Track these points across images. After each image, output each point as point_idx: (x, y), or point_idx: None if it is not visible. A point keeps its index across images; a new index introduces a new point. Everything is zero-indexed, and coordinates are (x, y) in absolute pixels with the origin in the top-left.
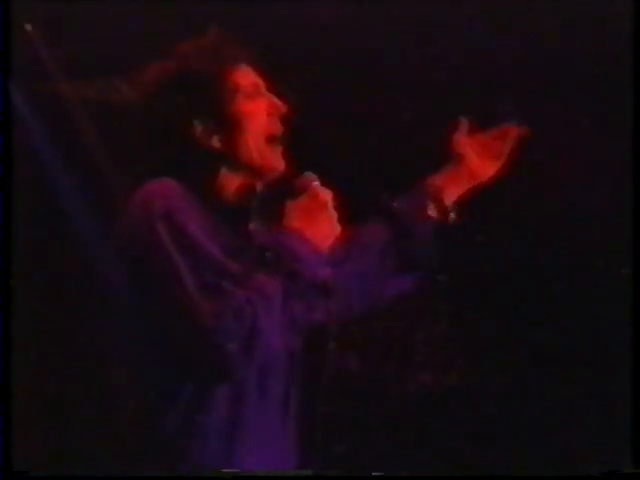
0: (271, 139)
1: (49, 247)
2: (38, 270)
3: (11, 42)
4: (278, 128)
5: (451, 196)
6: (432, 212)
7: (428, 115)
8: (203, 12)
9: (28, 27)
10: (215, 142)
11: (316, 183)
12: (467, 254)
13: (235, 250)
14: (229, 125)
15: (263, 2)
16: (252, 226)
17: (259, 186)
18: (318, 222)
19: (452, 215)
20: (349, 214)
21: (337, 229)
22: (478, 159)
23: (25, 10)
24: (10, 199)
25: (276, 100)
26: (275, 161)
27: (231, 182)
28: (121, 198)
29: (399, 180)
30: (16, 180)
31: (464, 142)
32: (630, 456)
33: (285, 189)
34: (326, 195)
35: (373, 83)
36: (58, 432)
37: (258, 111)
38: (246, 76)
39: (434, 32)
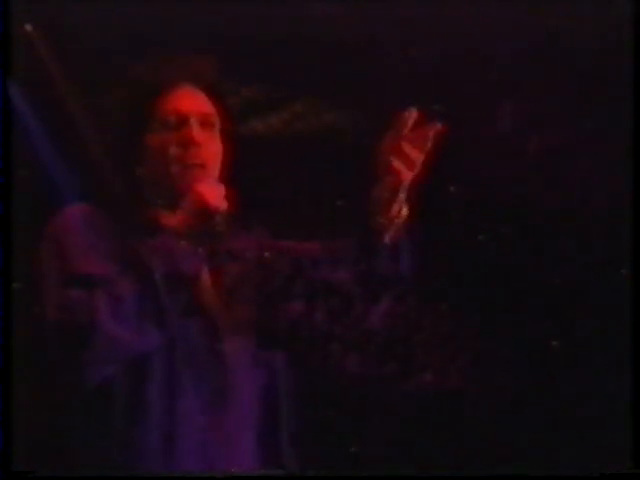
0: (186, 169)
1: None
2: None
3: (11, 42)
4: (194, 158)
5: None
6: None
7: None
8: (204, 13)
9: (28, 27)
10: (140, 173)
11: (210, 179)
12: (469, 254)
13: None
14: (147, 156)
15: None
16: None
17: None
18: (195, 221)
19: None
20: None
21: (218, 229)
22: (400, 162)
23: (25, 10)
24: (10, 199)
25: (195, 132)
26: (196, 182)
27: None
28: (121, 198)
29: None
30: (16, 180)
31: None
32: (630, 456)
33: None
34: (211, 192)
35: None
36: (58, 432)
37: (168, 143)
38: (175, 102)
39: (433, 32)
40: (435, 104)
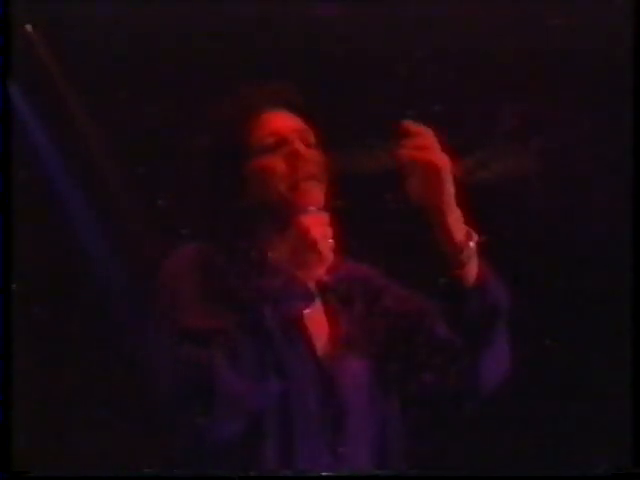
0: (297, 184)
1: (49, 247)
2: (38, 270)
3: (11, 42)
4: (303, 172)
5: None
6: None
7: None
8: (204, 13)
9: (28, 27)
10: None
11: (312, 208)
12: None
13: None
14: (249, 185)
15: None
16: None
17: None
18: (302, 253)
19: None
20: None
21: (325, 259)
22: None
23: (25, 10)
24: (10, 199)
25: (299, 146)
26: (309, 199)
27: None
28: (121, 198)
29: None
30: (16, 180)
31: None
32: (631, 456)
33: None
34: (316, 221)
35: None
36: (58, 432)
37: (273, 164)
38: (268, 124)
39: (432, 33)
40: (435, 104)
